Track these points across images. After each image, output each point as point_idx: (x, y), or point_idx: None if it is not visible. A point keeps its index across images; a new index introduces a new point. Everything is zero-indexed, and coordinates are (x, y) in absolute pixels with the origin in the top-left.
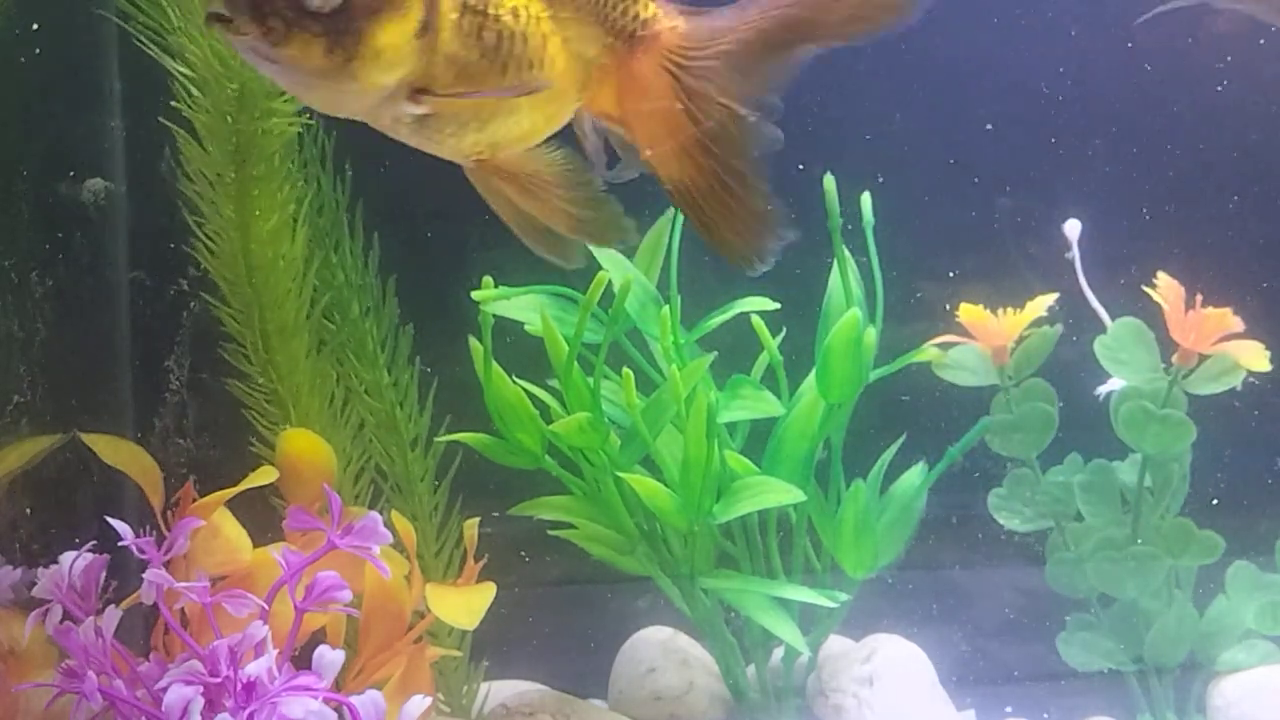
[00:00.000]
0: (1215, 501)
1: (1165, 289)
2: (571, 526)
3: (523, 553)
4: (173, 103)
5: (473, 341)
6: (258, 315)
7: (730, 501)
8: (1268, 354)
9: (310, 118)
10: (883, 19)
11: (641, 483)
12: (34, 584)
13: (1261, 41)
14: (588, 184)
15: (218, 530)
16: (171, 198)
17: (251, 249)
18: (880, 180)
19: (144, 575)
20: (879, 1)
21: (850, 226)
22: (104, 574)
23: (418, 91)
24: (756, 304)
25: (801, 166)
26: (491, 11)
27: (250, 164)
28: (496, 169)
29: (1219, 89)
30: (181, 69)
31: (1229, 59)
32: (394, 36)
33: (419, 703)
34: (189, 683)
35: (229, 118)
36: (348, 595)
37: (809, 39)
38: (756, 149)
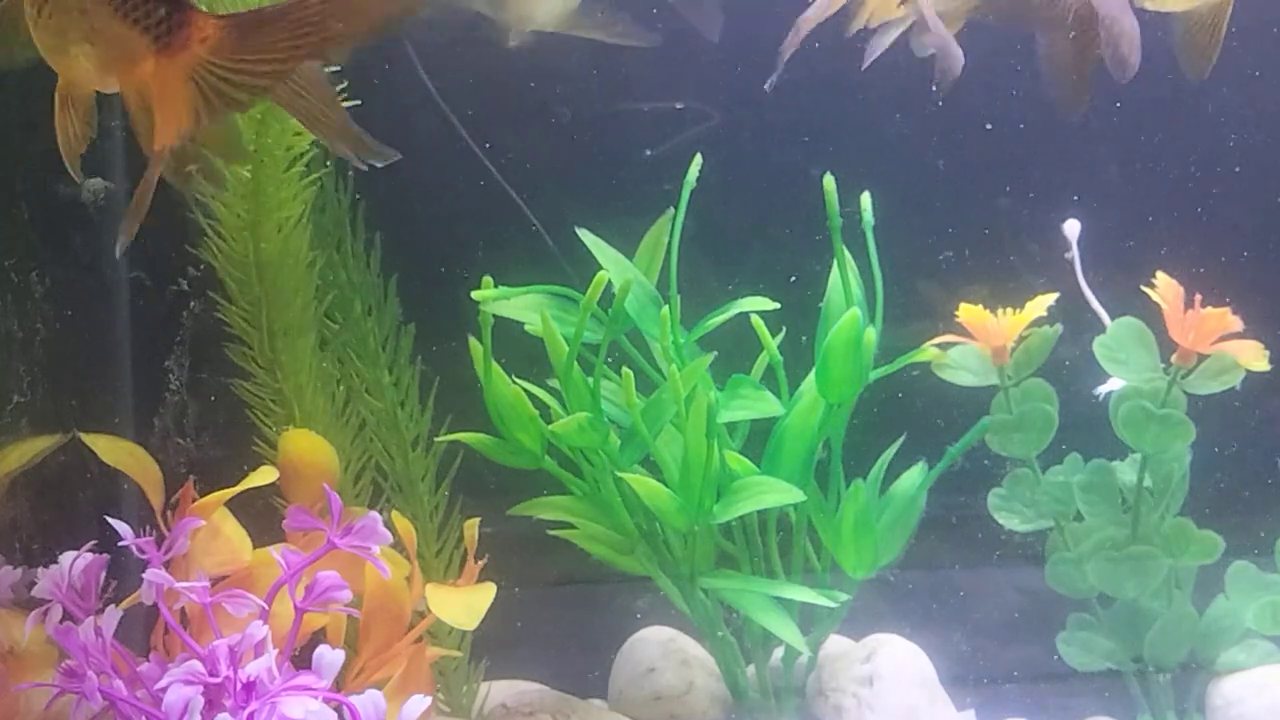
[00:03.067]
0: (1214, 502)
1: (1164, 289)
2: (571, 526)
3: (523, 552)
4: None
5: (472, 341)
6: (265, 315)
7: (730, 501)
8: (1267, 354)
9: None
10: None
11: (641, 483)
12: (34, 584)
13: (1263, 40)
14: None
15: (218, 530)
16: (177, 197)
17: (262, 248)
18: (880, 180)
19: (144, 575)
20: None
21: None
22: (104, 574)
23: None
24: (756, 304)
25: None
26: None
27: (267, 164)
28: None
29: (1219, 88)
30: None
31: (1228, 57)
32: None
33: (419, 703)
34: (189, 683)
35: (256, 117)
36: (348, 595)
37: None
38: None
